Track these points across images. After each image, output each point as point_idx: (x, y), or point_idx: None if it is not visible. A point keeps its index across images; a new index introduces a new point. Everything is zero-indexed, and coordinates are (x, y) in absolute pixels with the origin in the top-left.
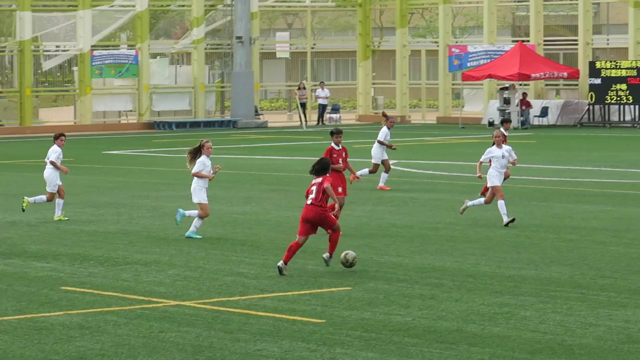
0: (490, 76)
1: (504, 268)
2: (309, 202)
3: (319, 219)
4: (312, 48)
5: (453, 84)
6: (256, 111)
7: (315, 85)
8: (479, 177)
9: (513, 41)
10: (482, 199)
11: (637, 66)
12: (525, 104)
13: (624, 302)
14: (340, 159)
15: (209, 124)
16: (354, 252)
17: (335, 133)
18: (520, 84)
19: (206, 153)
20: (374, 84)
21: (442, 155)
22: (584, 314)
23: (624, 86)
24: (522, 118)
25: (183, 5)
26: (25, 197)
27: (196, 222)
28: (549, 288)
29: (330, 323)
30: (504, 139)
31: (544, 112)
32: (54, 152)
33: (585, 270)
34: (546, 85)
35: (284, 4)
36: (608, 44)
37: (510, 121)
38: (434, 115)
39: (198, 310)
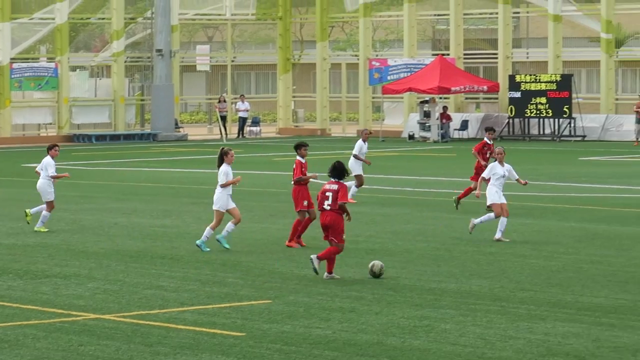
0: (410, 89)
1: (424, 281)
2: (326, 207)
3: (332, 224)
4: (233, 61)
5: (373, 97)
6: (176, 124)
7: (235, 99)
8: (477, 196)
9: (433, 54)
10: (492, 214)
11: (556, 80)
12: (445, 117)
13: (544, 315)
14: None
15: (129, 137)
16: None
17: (303, 146)
18: (441, 98)
19: (228, 161)
20: (294, 97)
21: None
22: (503, 326)
23: (543, 100)
24: (442, 131)
25: (103, 18)
26: (27, 210)
27: (228, 227)
28: (469, 301)
29: (250, 336)
30: (491, 150)
31: (464, 125)
32: (50, 166)
33: (505, 283)
34: (466, 98)
35: (204, 17)
36: (528, 57)
37: (494, 130)
38: (355, 128)
39: (118, 324)
